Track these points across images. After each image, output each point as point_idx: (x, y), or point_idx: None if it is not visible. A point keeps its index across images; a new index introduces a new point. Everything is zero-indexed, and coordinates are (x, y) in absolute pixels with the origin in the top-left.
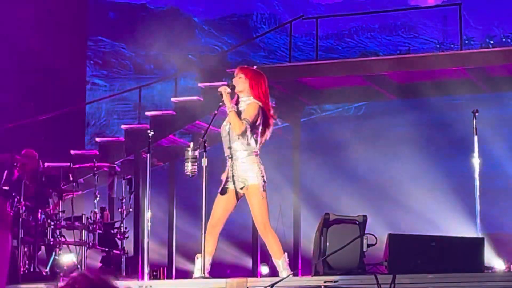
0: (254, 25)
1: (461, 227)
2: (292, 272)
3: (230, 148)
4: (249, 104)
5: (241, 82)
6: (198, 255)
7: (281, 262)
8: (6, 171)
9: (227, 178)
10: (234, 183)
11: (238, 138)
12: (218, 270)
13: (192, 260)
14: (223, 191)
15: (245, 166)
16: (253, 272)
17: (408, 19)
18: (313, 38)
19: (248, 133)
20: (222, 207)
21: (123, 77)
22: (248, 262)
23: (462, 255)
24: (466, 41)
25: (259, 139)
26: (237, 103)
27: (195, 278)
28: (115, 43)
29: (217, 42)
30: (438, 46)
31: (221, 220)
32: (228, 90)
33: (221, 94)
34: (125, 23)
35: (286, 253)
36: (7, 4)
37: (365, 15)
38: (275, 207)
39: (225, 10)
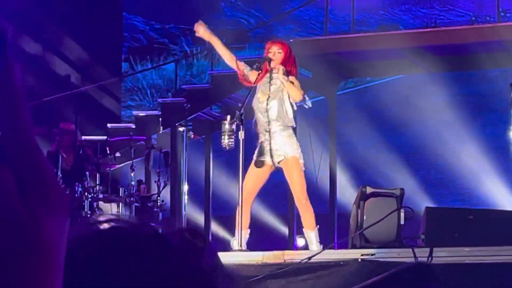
0: None
1: (502, 200)
2: (321, 246)
3: (268, 122)
4: (294, 80)
5: (279, 56)
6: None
7: (314, 233)
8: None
9: (261, 151)
10: (272, 157)
11: (286, 112)
12: (256, 242)
13: (229, 231)
14: (260, 164)
15: (285, 139)
16: (289, 245)
17: None
18: (345, 11)
19: (288, 107)
20: (255, 180)
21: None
22: (283, 233)
23: (500, 228)
24: (502, 13)
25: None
26: (267, 76)
27: (233, 251)
28: (130, 16)
29: (243, 15)
30: (473, 18)
31: (253, 193)
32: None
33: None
34: None
35: (318, 226)
36: None
37: None
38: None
39: None
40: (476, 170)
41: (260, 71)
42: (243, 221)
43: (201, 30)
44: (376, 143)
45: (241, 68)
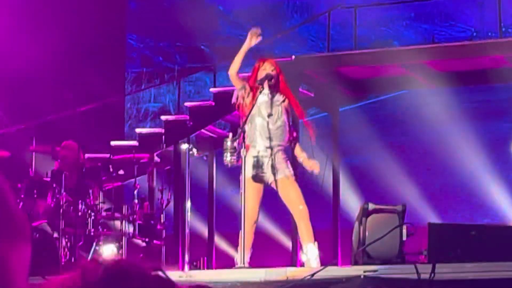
0: (285, 14)
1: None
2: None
3: (270, 139)
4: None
5: (275, 75)
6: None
7: (315, 248)
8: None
9: (259, 166)
10: (274, 174)
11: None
12: (258, 258)
13: (233, 247)
14: (260, 179)
15: (284, 158)
16: (293, 260)
17: (444, 7)
18: (347, 26)
19: (288, 127)
20: (256, 196)
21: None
22: (287, 247)
23: (503, 243)
24: (504, 29)
25: None
26: (255, 93)
27: (236, 267)
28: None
29: (242, 32)
30: (474, 34)
31: (257, 209)
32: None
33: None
34: (143, 13)
35: (316, 242)
36: None
37: (402, 4)
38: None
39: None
40: (484, 183)
41: (262, 89)
42: (247, 240)
43: (255, 40)
44: (381, 157)
45: (240, 84)
